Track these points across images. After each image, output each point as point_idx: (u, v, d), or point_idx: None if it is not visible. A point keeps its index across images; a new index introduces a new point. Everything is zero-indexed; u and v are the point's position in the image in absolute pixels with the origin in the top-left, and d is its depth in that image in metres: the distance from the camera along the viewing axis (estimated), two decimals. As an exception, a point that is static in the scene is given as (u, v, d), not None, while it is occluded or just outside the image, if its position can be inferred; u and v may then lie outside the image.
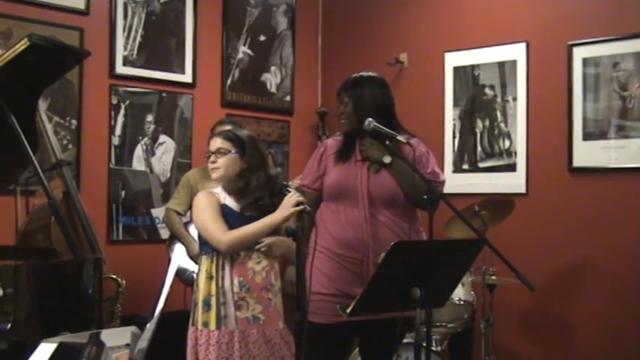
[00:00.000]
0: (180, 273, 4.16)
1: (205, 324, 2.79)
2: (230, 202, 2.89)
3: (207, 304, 2.80)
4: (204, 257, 2.88)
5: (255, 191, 2.88)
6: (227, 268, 2.82)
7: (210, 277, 2.82)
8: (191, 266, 4.16)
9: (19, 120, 3.33)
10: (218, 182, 2.94)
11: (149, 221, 4.94)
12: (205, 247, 2.89)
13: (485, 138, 4.98)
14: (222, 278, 2.82)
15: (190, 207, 4.31)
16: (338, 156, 3.10)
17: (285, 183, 2.93)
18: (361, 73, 3.19)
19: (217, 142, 2.91)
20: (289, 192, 2.80)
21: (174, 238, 4.32)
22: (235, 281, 2.82)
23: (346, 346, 3.30)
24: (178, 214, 4.29)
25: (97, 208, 4.51)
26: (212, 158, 2.90)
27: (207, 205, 2.85)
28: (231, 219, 2.85)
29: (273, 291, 2.90)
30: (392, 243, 2.43)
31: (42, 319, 3.06)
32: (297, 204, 2.74)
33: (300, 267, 2.65)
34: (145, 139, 4.94)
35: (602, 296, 4.43)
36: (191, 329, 2.85)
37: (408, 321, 2.62)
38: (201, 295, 2.82)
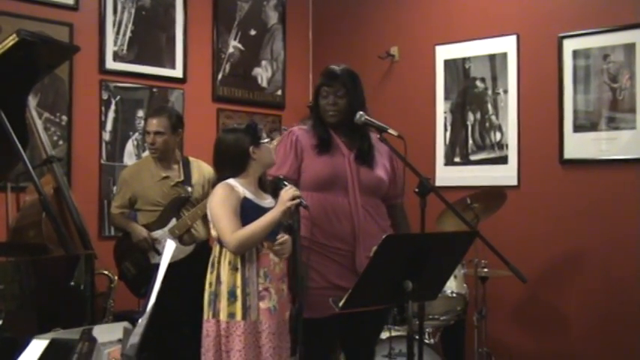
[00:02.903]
0: None
1: (232, 315, 2.77)
2: (250, 194, 2.86)
3: (232, 295, 2.79)
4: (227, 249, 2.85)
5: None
6: (253, 259, 2.82)
7: (235, 269, 2.80)
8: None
9: (9, 116, 3.31)
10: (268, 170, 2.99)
11: (141, 216, 4.93)
12: None
13: (477, 131, 4.98)
14: (248, 269, 2.80)
15: (131, 205, 4.27)
16: (320, 147, 3.08)
17: (281, 177, 2.93)
18: (346, 66, 3.17)
19: None
20: (285, 185, 2.80)
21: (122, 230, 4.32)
22: (261, 272, 2.82)
23: (337, 339, 3.30)
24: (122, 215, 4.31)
25: (88, 204, 4.49)
26: None
27: (225, 201, 2.81)
28: (251, 212, 2.82)
29: (285, 282, 2.92)
30: (384, 236, 2.44)
31: (34, 316, 3.05)
32: (293, 198, 2.74)
33: (297, 261, 2.66)
34: (136, 134, 4.93)
35: (594, 287, 4.44)
36: (212, 321, 2.81)
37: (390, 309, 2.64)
38: (225, 287, 2.80)
